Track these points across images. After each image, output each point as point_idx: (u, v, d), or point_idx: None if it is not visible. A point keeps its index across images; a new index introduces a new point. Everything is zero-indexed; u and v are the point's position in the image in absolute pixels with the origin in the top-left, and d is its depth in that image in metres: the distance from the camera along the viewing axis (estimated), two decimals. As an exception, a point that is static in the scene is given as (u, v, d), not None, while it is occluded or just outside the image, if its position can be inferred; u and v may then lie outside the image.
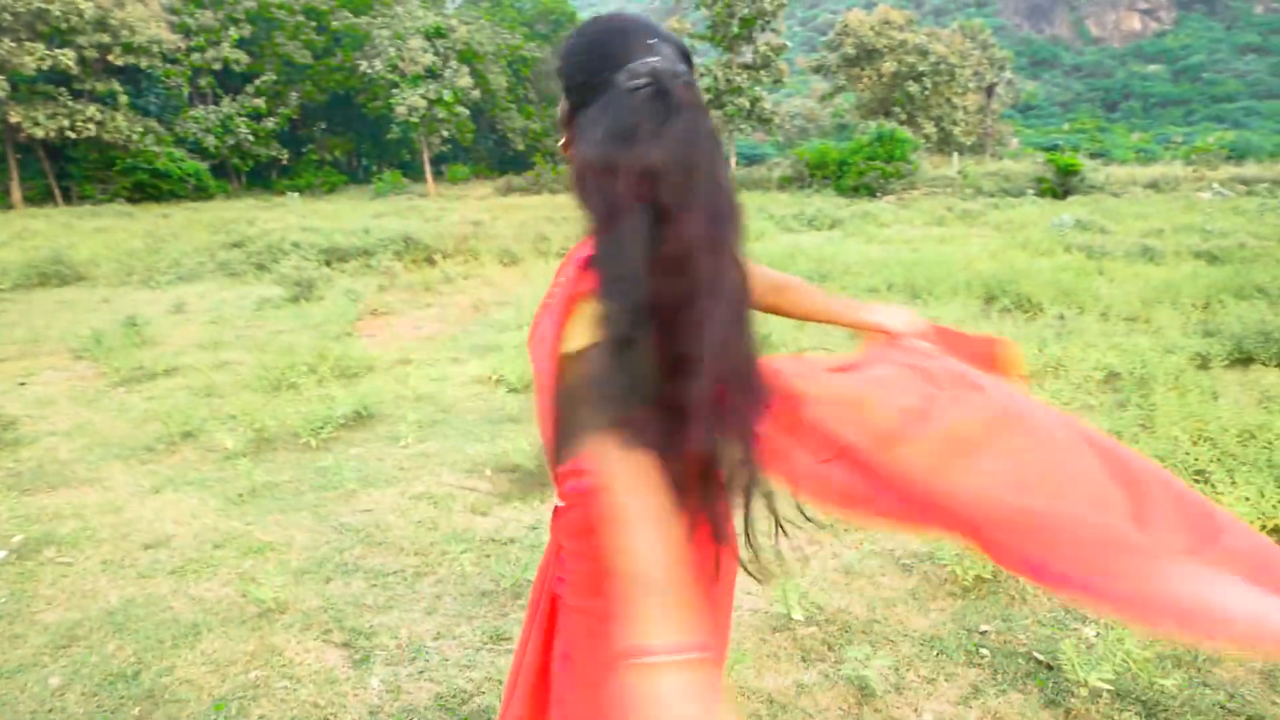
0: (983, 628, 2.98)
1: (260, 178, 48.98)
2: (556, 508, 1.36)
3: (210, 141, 42.43)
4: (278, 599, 3.19)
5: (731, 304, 1.07)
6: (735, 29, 41.22)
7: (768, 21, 41.74)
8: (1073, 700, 2.55)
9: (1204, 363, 6.22)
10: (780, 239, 15.57)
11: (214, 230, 18.39)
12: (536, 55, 59.39)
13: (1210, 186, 24.93)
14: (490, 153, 62.39)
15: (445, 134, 46.33)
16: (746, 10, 40.92)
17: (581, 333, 1.11)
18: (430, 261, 13.27)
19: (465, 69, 45.54)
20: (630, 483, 1.01)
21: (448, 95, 43.64)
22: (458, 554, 3.55)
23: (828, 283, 9.90)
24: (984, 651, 2.83)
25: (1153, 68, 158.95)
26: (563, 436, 1.27)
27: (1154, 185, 27.98)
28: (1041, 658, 2.78)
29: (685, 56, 1.22)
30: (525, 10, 69.70)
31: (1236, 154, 41.95)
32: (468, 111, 46.63)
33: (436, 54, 44.02)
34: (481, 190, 40.52)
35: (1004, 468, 1.21)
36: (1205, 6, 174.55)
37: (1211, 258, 10.92)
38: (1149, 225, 15.14)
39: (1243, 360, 6.32)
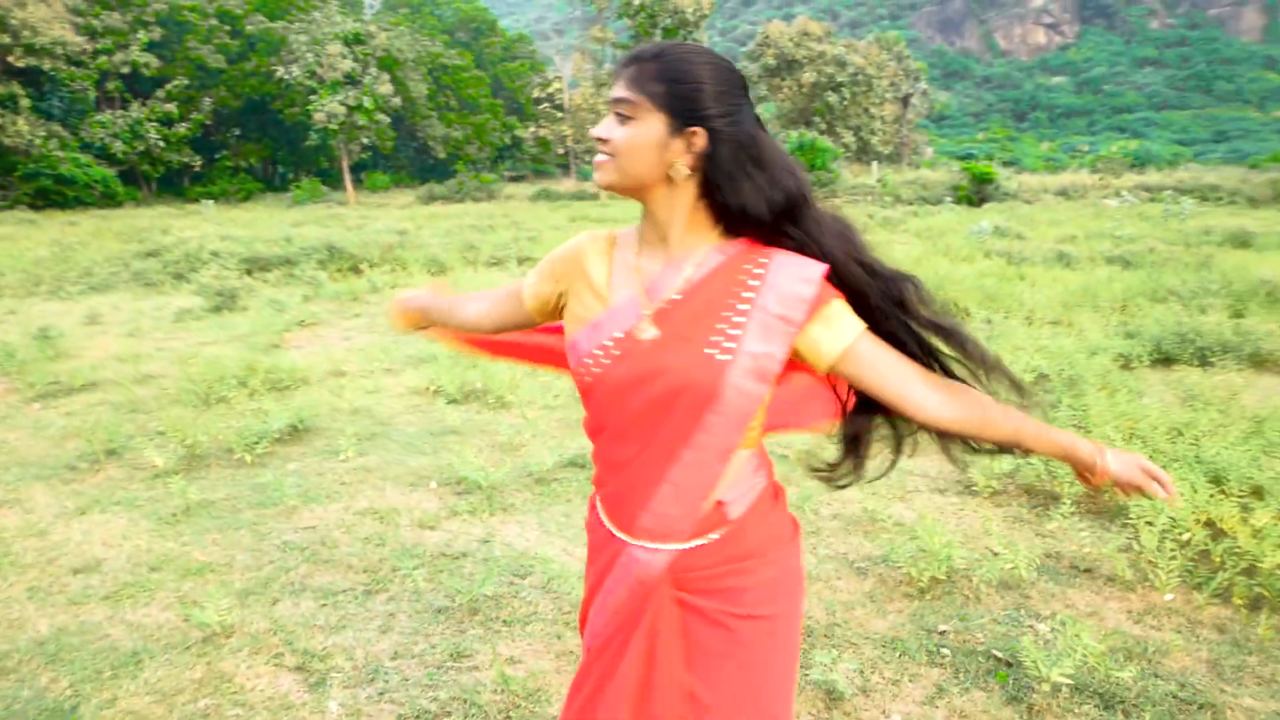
0: (941, 628, 3.02)
1: (171, 185, 47.41)
2: (686, 550, 1.34)
3: (118, 147, 40.80)
4: (223, 622, 3.06)
5: None
6: (658, 39, 41.44)
7: (690, 32, 42.15)
8: (1034, 696, 2.60)
9: (1127, 363, 6.45)
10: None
11: (126, 239, 17.71)
12: (457, 63, 58.84)
13: (1118, 194, 25.93)
14: (411, 161, 61.63)
15: (365, 141, 45.59)
16: (669, 20, 41.27)
17: (843, 331, 1.26)
18: (356, 271, 12.98)
19: (385, 76, 44.91)
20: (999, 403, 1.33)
21: (367, 102, 42.96)
22: (409, 570, 3.46)
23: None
24: (944, 651, 2.87)
25: (1057, 79, 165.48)
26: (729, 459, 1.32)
27: (1064, 193, 29.06)
28: (1001, 655, 2.83)
29: None
30: (445, 18, 69.23)
31: (1139, 162, 43.84)
32: (388, 119, 45.98)
33: (356, 60, 43.28)
34: (403, 199, 39.89)
35: None
36: (1105, 21, 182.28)
37: (1124, 262, 11.34)
38: (1062, 231, 15.67)
39: (1163, 360, 6.58)
